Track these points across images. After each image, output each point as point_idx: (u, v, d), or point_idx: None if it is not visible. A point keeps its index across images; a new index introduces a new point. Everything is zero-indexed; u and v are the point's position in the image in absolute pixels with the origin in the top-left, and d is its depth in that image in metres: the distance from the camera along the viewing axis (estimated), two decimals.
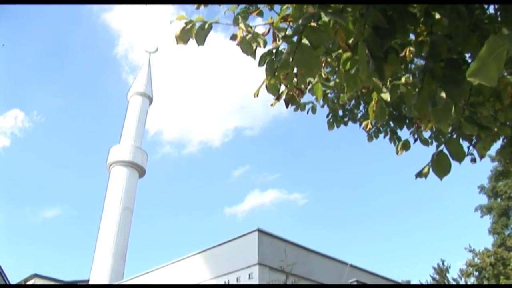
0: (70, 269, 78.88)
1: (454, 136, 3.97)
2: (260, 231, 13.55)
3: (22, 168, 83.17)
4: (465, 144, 4.58)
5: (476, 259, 29.92)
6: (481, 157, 5.14)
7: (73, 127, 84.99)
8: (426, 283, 39.90)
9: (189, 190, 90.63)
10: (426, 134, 5.77)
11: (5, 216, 78.35)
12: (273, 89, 3.00)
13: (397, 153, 5.52)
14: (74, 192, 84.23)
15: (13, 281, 21.24)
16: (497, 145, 4.84)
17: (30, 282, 22.71)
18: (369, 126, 5.40)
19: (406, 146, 5.25)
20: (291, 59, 2.41)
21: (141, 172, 27.25)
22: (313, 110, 6.42)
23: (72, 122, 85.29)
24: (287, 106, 3.55)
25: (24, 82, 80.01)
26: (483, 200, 37.13)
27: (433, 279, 42.31)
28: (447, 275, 42.00)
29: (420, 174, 3.95)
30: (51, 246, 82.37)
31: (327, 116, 6.44)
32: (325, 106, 6.29)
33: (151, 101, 30.40)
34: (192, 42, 2.78)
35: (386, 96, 3.66)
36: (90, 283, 23.30)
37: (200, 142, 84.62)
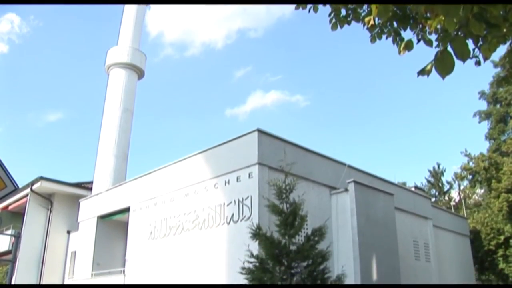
0: (74, 171, 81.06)
1: (461, 35, 3.85)
2: (259, 131, 13.65)
3: (22, 74, 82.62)
4: (470, 46, 4.46)
5: (471, 163, 30.61)
6: (485, 58, 5.03)
7: (71, 30, 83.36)
8: (421, 185, 41.19)
9: (190, 92, 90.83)
10: (431, 37, 5.62)
11: (10, 122, 79.02)
12: None
13: (399, 52, 5.42)
14: (75, 96, 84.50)
15: (20, 184, 21.84)
16: (500, 51, 4.73)
17: (36, 185, 23.33)
18: (372, 22, 5.24)
19: (409, 45, 5.13)
20: None
21: (140, 73, 26.97)
22: (315, 8, 6.18)
23: (70, 25, 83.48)
24: None
25: None
26: (483, 105, 37.32)
27: (428, 181, 43.66)
28: (442, 178, 43.36)
29: (422, 72, 3.89)
30: (55, 149, 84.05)
31: (329, 15, 6.23)
32: (328, 5, 6.06)
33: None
34: None
35: None
36: (94, 184, 23.92)
37: (203, 44, 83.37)
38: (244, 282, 10.76)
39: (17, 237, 14.71)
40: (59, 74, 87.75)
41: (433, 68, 3.75)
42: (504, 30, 4.29)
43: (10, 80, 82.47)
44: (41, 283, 23.18)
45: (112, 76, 26.24)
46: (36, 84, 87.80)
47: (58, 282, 23.57)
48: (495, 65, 31.69)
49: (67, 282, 23.02)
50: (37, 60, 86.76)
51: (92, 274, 20.18)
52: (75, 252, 22.95)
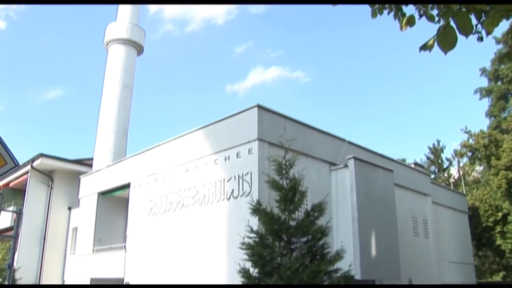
0: (74, 148, 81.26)
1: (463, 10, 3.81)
2: (259, 106, 13.60)
3: (21, 51, 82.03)
4: (473, 21, 4.40)
5: (470, 140, 30.62)
6: (488, 33, 4.97)
7: (70, 6, 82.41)
8: (421, 162, 41.31)
9: (190, 68, 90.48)
10: (433, 13, 5.55)
11: (9, 100, 78.76)
12: None
13: (401, 28, 5.35)
14: (75, 72, 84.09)
15: (20, 162, 21.93)
16: (503, 27, 4.68)
17: (36, 162, 23.42)
18: None
19: (411, 21, 5.07)
20: None
21: (139, 49, 26.77)
22: None
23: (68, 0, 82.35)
24: None
25: None
26: (484, 82, 37.20)
27: (428, 158, 43.76)
28: (441, 154, 43.46)
29: (424, 47, 3.86)
30: (55, 127, 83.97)
31: None
32: None
33: None
34: None
35: None
36: (94, 161, 23.99)
37: (203, 20, 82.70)
38: (244, 257, 10.86)
39: (19, 214, 14.83)
40: (58, 50, 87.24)
41: (436, 43, 3.72)
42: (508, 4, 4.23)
43: (8, 57, 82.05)
44: (43, 259, 23.45)
45: (111, 52, 26.08)
46: (35, 61, 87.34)
47: (60, 257, 23.85)
48: (497, 41, 31.44)
49: (69, 258, 23.28)
50: (35, 37, 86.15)
51: (93, 250, 20.38)
52: (76, 228, 23.14)
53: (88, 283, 20.00)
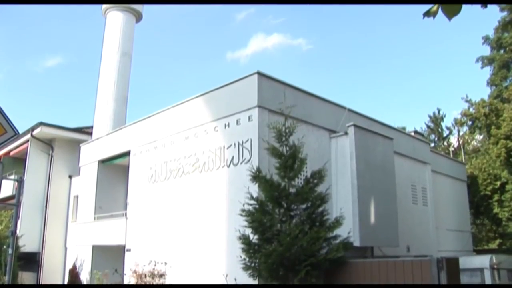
0: (74, 116, 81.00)
1: None
2: (259, 73, 13.45)
3: (19, 19, 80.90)
4: None
5: (471, 109, 30.52)
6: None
7: None
8: (421, 130, 41.32)
9: (190, 35, 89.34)
10: None
11: (9, 68, 78.12)
12: None
13: None
14: (74, 40, 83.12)
15: (20, 130, 21.92)
16: None
17: (36, 131, 23.38)
18: None
19: None
20: None
21: (138, 16, 26.38)
22: None
23: None
24: None
25: None
26: (486, 51, 36.79)
27: (428, 126, 43.74)
28: (442, 123, 43.43)
29: (428, 13, 3.75)
30: (55, 95, 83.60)
31: None
32: None
33: None
34: None
35: None
36: (94, 129, 23.96)
37: None
38: (244, 223, 10.95)
39: (20, 182, 14.86)
40: (57, 17, 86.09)
41: (440, 9, 3.63)
42: None
43: (6, 26, 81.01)
44: (45, 227, 23.66)
45: (109, 19, 25.71)
46: (34, 29, 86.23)
47: (62, 225, 24.06)
48: (501, 9, 30.95)
49: (71, 225, 23.49)
50: (33, 3, 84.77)
51: (94, 218, 20.57)
52: (77, 196, 23.28)
53: (90, 250, 20.24)
